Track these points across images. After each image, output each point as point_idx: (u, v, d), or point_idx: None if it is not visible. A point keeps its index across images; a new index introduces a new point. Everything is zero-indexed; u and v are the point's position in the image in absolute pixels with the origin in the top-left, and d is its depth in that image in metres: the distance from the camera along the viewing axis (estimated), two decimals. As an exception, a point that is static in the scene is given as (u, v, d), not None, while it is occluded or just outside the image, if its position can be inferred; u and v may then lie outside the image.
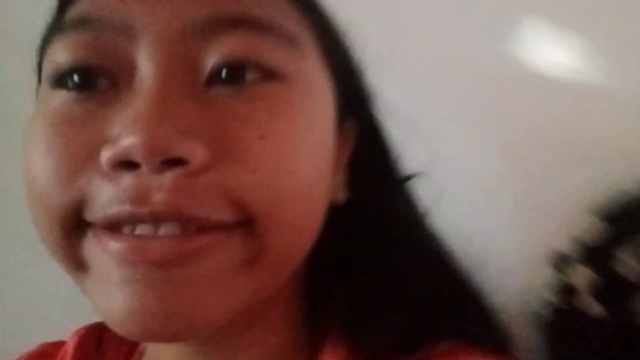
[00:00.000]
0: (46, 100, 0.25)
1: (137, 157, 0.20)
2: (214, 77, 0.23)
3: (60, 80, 0.24)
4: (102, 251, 0.22)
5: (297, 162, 0.23)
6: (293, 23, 0.26)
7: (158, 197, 0.20)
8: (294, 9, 0.27)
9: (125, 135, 0.20)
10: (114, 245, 0.21)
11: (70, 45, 0.24)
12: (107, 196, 0.21)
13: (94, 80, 0.23)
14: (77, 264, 0.23)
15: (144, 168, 0.20)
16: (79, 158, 0.22)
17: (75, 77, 0.23)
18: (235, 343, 0.27)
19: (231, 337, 0.27)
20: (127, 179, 0.21)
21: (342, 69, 0.30)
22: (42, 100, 0.25)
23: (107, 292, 0.21)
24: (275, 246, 0.23)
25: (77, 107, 0.23)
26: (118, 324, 0.21)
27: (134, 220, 0.21)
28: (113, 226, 0.21)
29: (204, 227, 0.21)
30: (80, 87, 0.23)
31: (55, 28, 0.26)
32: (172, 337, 0.21)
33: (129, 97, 0.22)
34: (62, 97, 0.24)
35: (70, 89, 0.24)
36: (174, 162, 0.20)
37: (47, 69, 0.25)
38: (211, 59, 0.23)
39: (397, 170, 0.32)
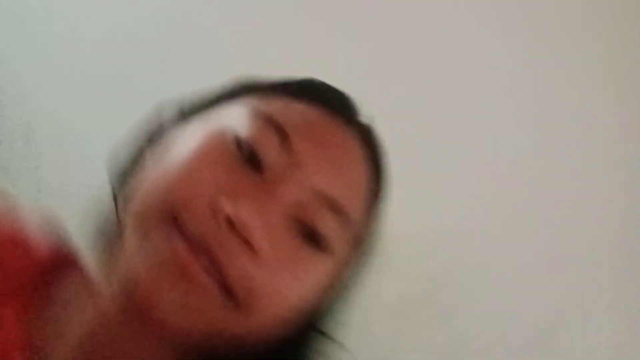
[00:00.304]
0: (215, 134, 0.34)
1: (239, 227, 0.30)
2: (302, 225, 0.33)
3: (238, 142, 0.34)
4: (166, 240, 0.30)
5: (297, 296, 0.34)
6: (362, 216, 0.37)
7: (225, 250, 0.30)
8: (367, 207, 0.38)
9: (246, 207, 0.31)
10: (182, 246, 0.30)
11: (259, 129, 0.34)
12: (203, 222, 0.30)
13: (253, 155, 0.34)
14: (143, 237, 0.31)
15: (236, 229, 0.30)
16: (205, 185, 0.32)
17: (248, 149, 0.33)
18: None
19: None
20: (223, 224, 0.30)
21: (361, 259, 0.40)
22: (211, 130, 0.35)
23: (146, 263, 0.30)
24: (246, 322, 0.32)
25: (233, 157, 0.33)
26: (136, 282, 0.30)
27: (203, 243, 0.30)
28: (187, 236, 0.30)
29: (221, 276, 0.31)
30: (245, 155, 0.33)
31: (253, 100, 0.37)
32: (150, 318, 0.30)
33: (260, 180, 0.33)
34: (229, 147, 0.33)
35: (238, 149, 0.33)
36: (247, 242, 0.30)
37: (236, 122, 0.35)
38: (308, 215, 0.33)
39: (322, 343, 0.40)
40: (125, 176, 0.38)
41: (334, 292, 0.39)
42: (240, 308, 0.31)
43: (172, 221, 0.30)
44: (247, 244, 0.30)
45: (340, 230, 0.35)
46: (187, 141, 0.35)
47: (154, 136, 0.39)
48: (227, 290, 0.30)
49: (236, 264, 0.30)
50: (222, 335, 0.32)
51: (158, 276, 0.30)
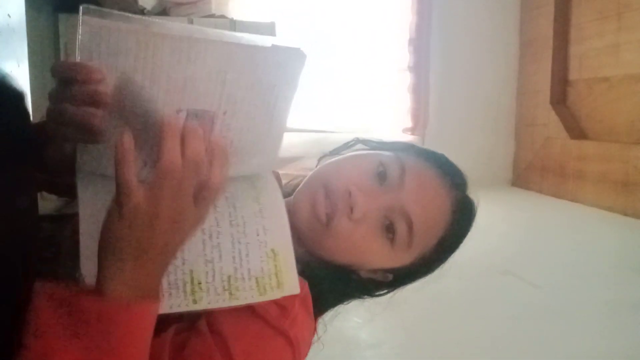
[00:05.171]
0: (371, 155, 0.64)
1: (352, 200, 0.57)
2: (388, 220, 0.59)
3: (379, 164, 0.61)
4: (317, 193, 0.60)
5: (355, 252, 0.61)
6: (427, 245, 0.63)
7: (340, 206, 0.58)
8: (434, 244, 0.64)
9: (362, 195, 0.58)
10: (322, 196, 0.59)
11: (392, 162, 0.62)
12: (340, 193, 0.58)
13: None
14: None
15: (350, 200, 0.58)
16: (351, 177, 0.60)
17: (382, 169, 0.61)
18: None
19: None
20: (347, 196, 0.58)
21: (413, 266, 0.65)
22: (371, 153, 0.65)
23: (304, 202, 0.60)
24: None
25: (372, 169, 0.61)
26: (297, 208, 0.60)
27: (332, 199, 0.58)
28: (327, 194, 0.59)
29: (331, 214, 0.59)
30: (379, 172, 0.61)
31: None
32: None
33: (379, 187, 0.60)
34: (374, 163, 0.61)
35: (376, 167, 0.61)
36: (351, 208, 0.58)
37: (384, 155, 0.63)
38: (393, 217, 0.59)
39: None
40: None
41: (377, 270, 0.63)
42: (327, 232, 0.58)
43: (324, 186, 0.59)
44: (351, 208, 0.57)
45: (407, 238, 0.59)
46: (357, 154, 0.66)
47: (339, 149, 0.70)
48: (328, 221, 0.58)
49: (341, 213, 0.58)
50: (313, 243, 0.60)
51: (307, 206, 0.59)
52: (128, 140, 0.38)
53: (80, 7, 0.39)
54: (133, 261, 0.39)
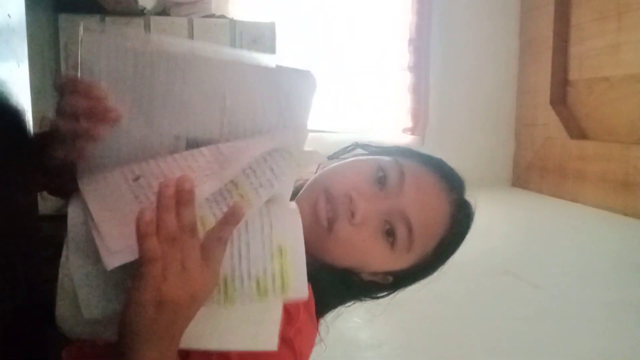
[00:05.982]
0: (370, 160, 0.64)
1: (352, 204, 0.58)
2: (387, 224, 0.59)
3: (379, 168, 0.62)
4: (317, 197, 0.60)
5: (354, 254, 0.61)
6: (427, 247, 0.63)
7: (341, 210, 0.59)
8: (434, 246, 0.64)
9: (362, 199, 0.58)
10: (323, 200, 0.60)
11: (391, 166, 0.62)
12: (340, 198, 0.59)
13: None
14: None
15: (351, 204, 0.58)
16: (351, 182, 0.61)
17: (382, 174, 0.61)
18: None
19: None
20: (347, 200, 0.58)
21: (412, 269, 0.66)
22: (369, 158, 0.66)
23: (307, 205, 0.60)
24: None
25: (371, 174, 0.62)
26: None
27: (333, 204, 0.59)
28: (328, 198, 0.59)
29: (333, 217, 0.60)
30: (379, 177, 0.61)
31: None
32: None
33: (379, 191, 0.61)
34: (373, 168, 0.62)
35: (376, 172, 0.62)
36: (352, 213, 0.58)
37: (383, 159, 0.63)
38: (392, 221, 0.59)
39: None
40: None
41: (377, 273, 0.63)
42: (328, 236, 0.58)
43: (325, 191, 0.60)
44: (352, 213, 0.58)
45: (407, 241, 0.59)
46: (358, 159, 0.66)
47: (338, 153, 0.70)
48: (330, 225, 0.58)
49: (342, 217, 0.58)
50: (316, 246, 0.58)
51: (309, 211, 0.58)
52: (149, 215, 0.37)
53: (81, 25, 0.39)
54: (162, 341, 0.39)
